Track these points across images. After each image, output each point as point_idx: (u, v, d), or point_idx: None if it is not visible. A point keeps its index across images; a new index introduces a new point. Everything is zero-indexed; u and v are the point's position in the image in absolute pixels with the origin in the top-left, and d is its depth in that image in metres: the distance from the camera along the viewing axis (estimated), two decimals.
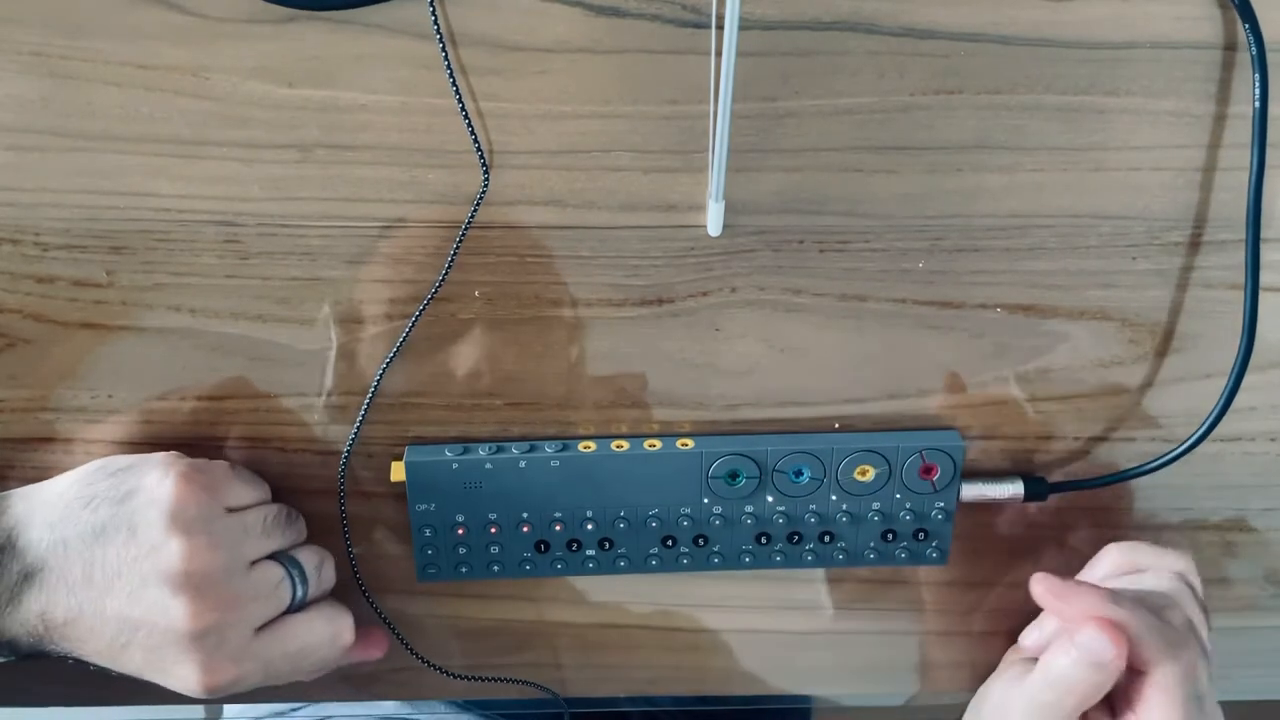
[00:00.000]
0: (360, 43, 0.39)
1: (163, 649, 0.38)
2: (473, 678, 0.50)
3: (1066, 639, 0.39)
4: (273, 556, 0.42)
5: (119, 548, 0.38)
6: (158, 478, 0.39)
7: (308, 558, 0.43)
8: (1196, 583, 0.44)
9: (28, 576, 0.37)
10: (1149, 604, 0.41)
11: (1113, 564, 0.45)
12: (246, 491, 0.42)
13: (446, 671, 0.50)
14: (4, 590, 0.37)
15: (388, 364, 0.44)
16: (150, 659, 0.38)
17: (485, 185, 0.41)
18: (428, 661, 0.50)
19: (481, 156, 0.40)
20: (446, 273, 0.42)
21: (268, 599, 0.40)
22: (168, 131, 0.39)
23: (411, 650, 0.49)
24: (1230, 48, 0.40)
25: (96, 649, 0.38)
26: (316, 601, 0.43)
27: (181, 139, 0.40)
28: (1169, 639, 0.39)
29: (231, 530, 0.40)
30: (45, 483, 0.41)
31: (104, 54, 0.38)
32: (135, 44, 0.38)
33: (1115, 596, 0.41)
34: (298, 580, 0.42)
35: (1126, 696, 0.40)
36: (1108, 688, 0.39)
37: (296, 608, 0.42)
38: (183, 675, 0.38)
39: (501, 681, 0.51)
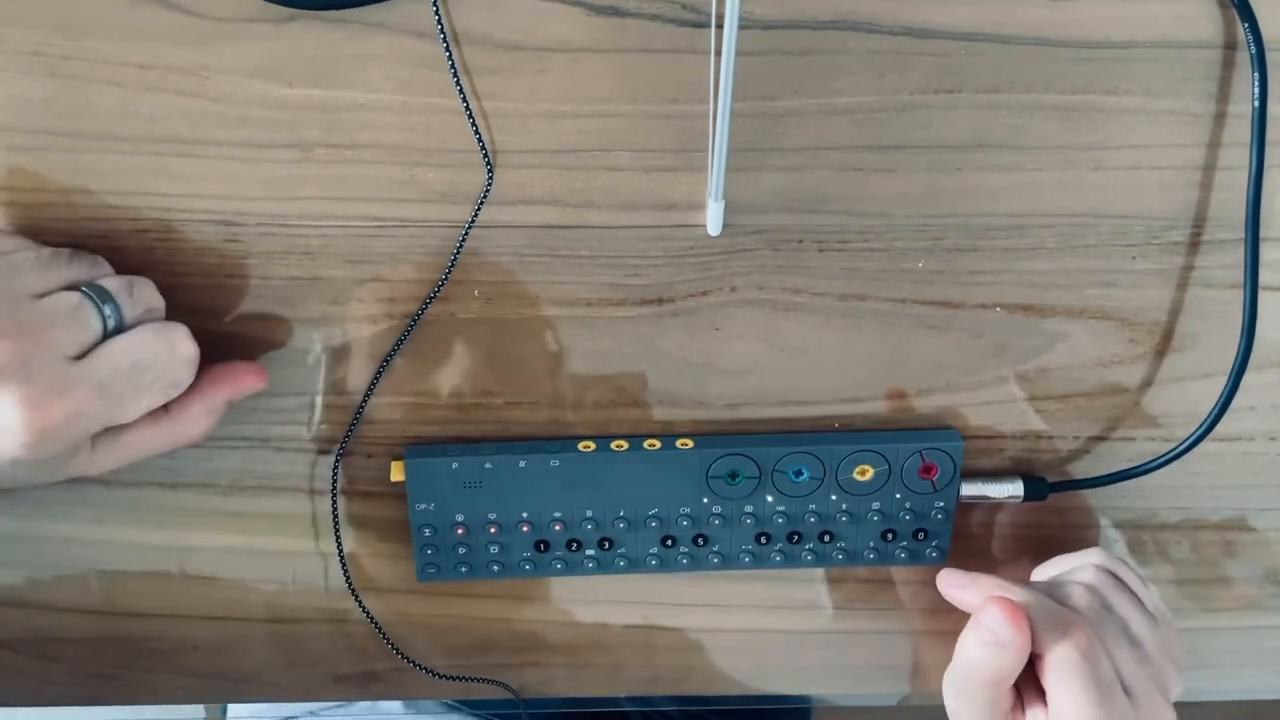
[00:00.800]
0: (360, 42, 0.39)
1: None
2: (450, 677, 0.50)
3: (974, 620, 0.40)
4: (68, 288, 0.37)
5: None
6: None
7: (111, 283, 0.38)
8: (1121, 570, 0.44)
9: None
10: (1052, 593, 0.42)
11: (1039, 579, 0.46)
12: (2, 242, 0.38)
13: (428, 670, 0.50)
14: None
15: (386, 363, 0.44)
16: None
17: (489, 185, 0.41)
18: (409, 659, 0.50)
19: (486, 157, 0.40)
20: (449, 272, 0.42)
21: (69, 324, 0.36)
22: (168, 131, 0.39)
23: (395, 648, 0.49)
24: (1230, 47, 0.40)
25: None
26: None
27: (181, 139, 0.40)
28: (1059, 620, 0.39)
29: None
30: None
31: (104, 54, 0.38)
32: (135, 44, 0.38)
33: (1012, 583, 0.42)
34: (100, 302, 0.37)
35: (1039, 687, 0.40)
36: (1014, 667, 0.39)
37: (114, 333, 0.37)
38: (8, 421, 0.34)
39: (472, 681, 0.50)
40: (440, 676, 0.50)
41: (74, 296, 0.37)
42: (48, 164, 0.40)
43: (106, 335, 0.37)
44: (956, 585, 0.45)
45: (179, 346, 0.39)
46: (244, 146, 0.40)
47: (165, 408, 0.39)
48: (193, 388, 0.40)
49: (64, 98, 0.39)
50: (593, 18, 0.39)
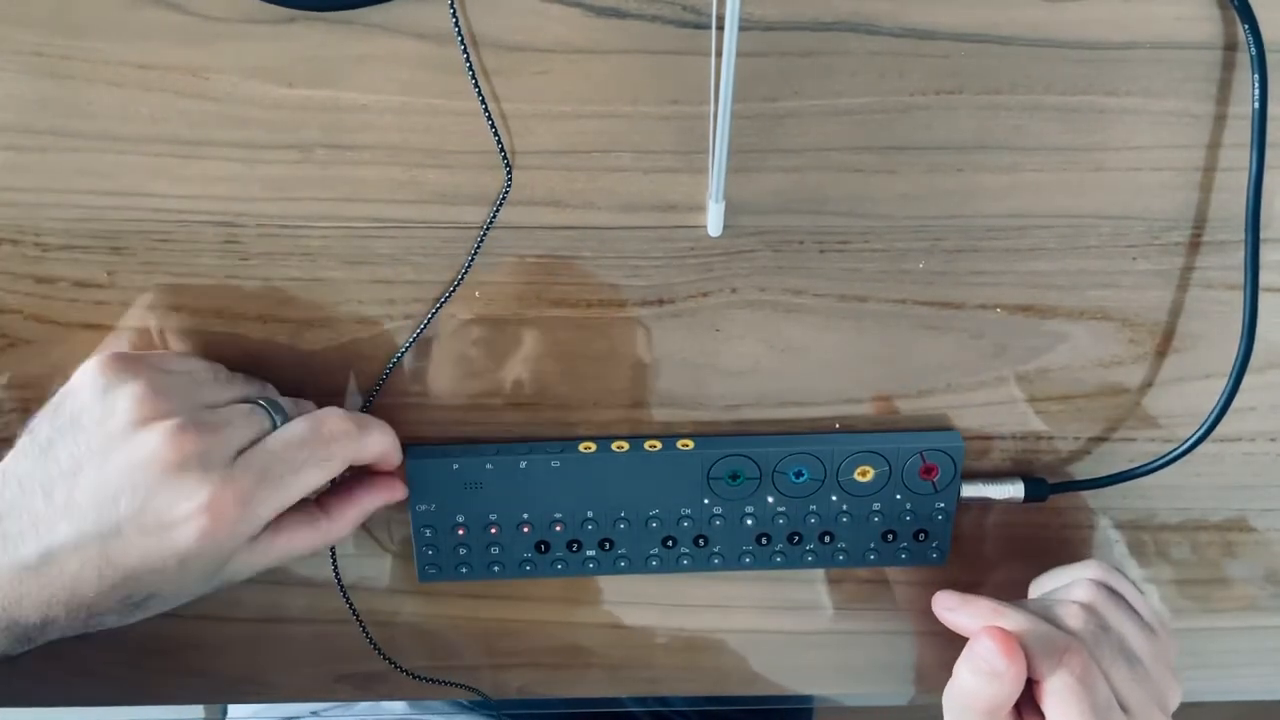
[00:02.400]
0: (360, 43, 0.39)
1: (153, 495, 0.35)
2: (444, 681, 0.50)
3: (968, 649, 0.39)
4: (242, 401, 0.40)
5: (69, 445, 0.36)
6: (81, 372, 0.38)
7: (282, 399, 0.41)
8: (1117, 582, 0.44)
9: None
10: (1047, 614, 0.41)
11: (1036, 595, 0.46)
12: (184, 362, 0.41)
13: (407, 671, 0.50)
14: None
15: (394, 363, 0.44)
16: (146, 522, 0.35)
17: (508, 185, 0.41)
18: (393, 661, 0.50)
19: (505, 157, 0.40)
20: (465, 274, 0.42)
21: (243, 425, 0.38)
22: (168, 131, 0.39)
23: (378, 649, 0.49)
24: (1230, 48, 0.40)
25: (89, 565, 0.35)
26: None
27: (181, 139, 0.40)
28: (1055, 645, 0.39)
29: (177, 381, 0.38)
30: None
31: (104, 54, 0.38)
32: (135, 44, 0.38)
33: (1006, 606, 0.41)
34: (270, 409, 0.39)
35: (1040, 708, 0.40)
36: (1010, 696, 0.38)
37: None
38: (186, 509, 0.35)
39: (454, 686, 0.51)
40: (431, 681, 0.50)
41: (246, 405, 0.39)
42: (48, 164, 0.40)
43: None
44: (949, 608, 0.44)
45: (323, 426, 0.40)
46: (244, 147, 0.40)
47: (323, 507, 0.41)
48: (347, 491, 0.42)
49: (64, 98, 0.39)
50: (593, 19, 0.39)
